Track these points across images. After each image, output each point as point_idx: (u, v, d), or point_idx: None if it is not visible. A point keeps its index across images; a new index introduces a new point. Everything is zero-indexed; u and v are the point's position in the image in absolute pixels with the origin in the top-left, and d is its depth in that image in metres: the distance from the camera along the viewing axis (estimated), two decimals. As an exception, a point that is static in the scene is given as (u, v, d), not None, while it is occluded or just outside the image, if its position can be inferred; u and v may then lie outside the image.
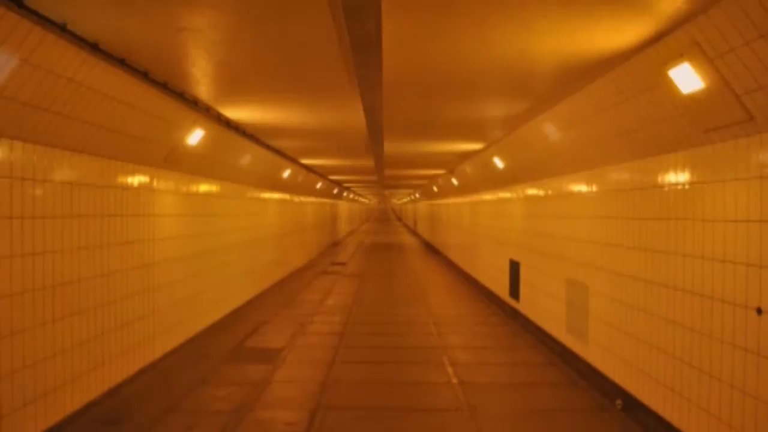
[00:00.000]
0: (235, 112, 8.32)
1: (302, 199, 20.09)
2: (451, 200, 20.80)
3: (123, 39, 4.84)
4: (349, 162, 16.72)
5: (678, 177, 5.12)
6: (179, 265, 8.24)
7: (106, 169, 6.10)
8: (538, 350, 8.80)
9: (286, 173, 14.86)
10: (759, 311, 4.07)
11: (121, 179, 6.44)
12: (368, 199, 60.27)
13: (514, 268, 11.13)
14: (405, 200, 51.38)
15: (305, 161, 15.90)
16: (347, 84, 6.19)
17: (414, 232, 42.69)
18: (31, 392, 4.90)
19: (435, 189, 24.34)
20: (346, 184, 30.09)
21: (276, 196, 15.53)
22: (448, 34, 4.66)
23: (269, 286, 14.56)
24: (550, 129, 7.64)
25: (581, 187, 7.53)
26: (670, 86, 4.58)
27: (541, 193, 9.44)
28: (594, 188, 7.10)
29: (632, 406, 6.01)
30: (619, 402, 6.27)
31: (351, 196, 40.28)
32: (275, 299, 13.39)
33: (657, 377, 5.50)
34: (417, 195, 35.84)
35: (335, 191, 29.06)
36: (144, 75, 5.75)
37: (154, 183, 7.33)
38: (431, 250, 27.34)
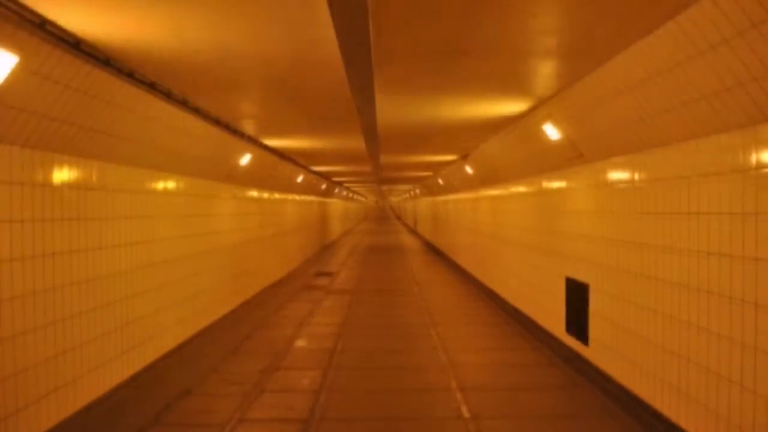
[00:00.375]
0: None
1: (294, 197, 19.67)
2: (455, 196, 20.66)
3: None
4: (344, 159, 16.40)
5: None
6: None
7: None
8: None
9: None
10: None
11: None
12: (365, 197, 60.15)
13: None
14: (404, 197, 50.65)
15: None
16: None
17: (414, 232, 42.47)
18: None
19: (433, 187, 24.24)
20: (346, 184, 30.01)
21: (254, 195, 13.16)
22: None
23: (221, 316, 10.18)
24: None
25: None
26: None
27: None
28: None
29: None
30: None
31: (347, 194, 40.09)
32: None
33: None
34: (417, 191, 35.00)
35: (335, 190, 29.01)
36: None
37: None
38: (433, 251, 27.08)
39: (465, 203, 17.62)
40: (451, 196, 20.61)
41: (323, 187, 24.00)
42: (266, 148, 11.89)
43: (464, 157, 14.45)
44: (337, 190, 29.73)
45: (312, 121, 9.20)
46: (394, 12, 4.20)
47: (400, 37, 4.81)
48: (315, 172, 19.81)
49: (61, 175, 5.35)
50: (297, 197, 19.62)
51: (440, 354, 8.61)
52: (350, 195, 42.03)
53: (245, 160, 10.74)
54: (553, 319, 8.58)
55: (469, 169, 14.58)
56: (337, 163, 17.99)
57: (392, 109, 8.01)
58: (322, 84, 6.44)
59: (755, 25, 3.54)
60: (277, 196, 16.00)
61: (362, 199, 58.88)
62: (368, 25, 4.41)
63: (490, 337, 9.80)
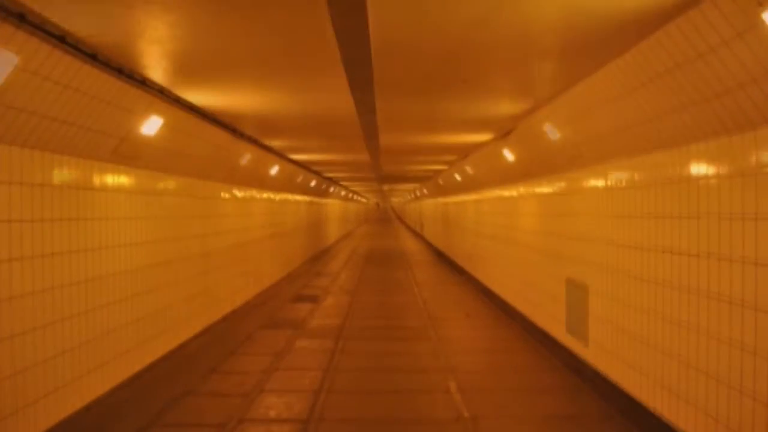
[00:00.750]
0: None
1: (294, 198, 19.51)
2: (456, 198, 20.50)
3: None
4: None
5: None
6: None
7: None
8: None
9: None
10: None
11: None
12: (366, 198, 59.98)
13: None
14: (407, 198, 49.97)
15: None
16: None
17: (418, 235, 42.00)
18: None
19: (439, 188, 24.11)
20: (344, 183, 29.92)
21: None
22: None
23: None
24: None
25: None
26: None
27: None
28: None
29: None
30: None
31: (346, 194, 39.94)
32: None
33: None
34: (418, 192, 34.44)
35: (334, 190, 28.94)
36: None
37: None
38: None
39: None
40: (452, 198, 20.59)
41: (321, 186, 23.86)
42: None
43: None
44: (335, 190, 29.65)
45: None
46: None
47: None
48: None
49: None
50: (298, 197, 19.47)
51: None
52: (349, 195, 41.80)
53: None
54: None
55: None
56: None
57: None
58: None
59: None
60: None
61: (362, 200, 58.58)
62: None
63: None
